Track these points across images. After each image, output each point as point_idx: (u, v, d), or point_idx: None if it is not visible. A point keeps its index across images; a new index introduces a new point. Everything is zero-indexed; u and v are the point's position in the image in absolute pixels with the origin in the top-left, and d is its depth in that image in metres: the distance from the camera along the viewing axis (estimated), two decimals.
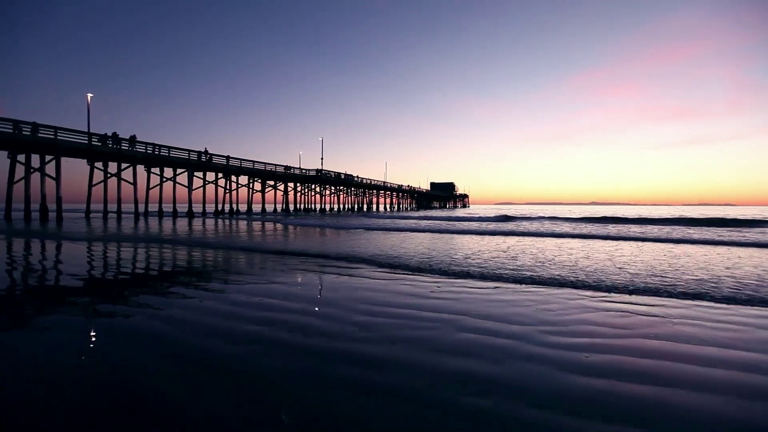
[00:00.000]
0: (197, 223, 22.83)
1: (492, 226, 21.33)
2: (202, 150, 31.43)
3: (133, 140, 27.52)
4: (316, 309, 4.26)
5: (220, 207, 35.92)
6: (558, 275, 6.25)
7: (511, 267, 7.07)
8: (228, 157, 33.83)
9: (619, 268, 6.99)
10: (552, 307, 4.37)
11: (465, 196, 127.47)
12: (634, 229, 18.34)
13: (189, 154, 30.70)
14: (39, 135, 20.85)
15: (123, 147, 25.83)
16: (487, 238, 13.97)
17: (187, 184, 31.49)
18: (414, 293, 5.07)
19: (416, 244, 11.34)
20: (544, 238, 14.00)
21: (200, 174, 35.72)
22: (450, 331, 3.50)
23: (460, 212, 53.05)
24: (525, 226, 21.36)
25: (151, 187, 32.43)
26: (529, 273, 6.41)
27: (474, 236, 14.64)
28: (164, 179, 31.92)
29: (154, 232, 14.72)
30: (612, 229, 18.98)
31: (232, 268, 7.15)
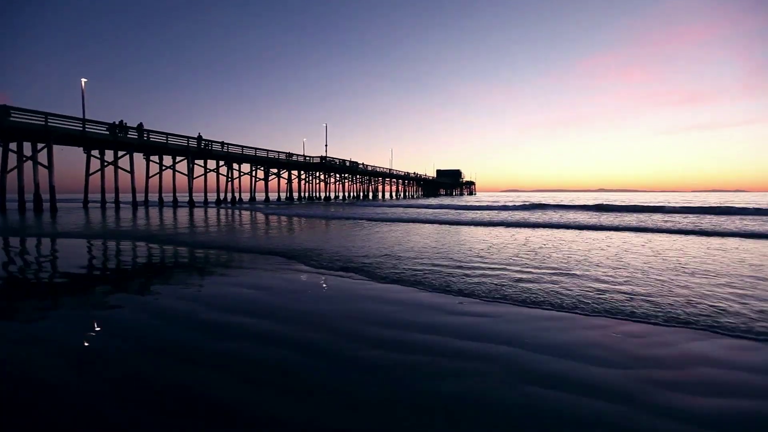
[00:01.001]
0: (190, 213, 21.85)
1: (519, 215, 18.73)
2: (195, 136, 30.11)
3: (141, 129, 26.61)
4: (297, 338, 3.16)
5: (222, 196, 34.98)
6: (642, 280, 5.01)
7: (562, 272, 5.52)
8: (223, 143, 32.38)
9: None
10: (637, 329, 3.24)
11: (472, 183, 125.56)
12: (691, 219, 15.44)
13: (188, 141, 29.59)
14: (29, 121, 19.82)
15: (119, 134, 24.77)
16: (516, 231, 11.91)
17: (187, 173, 30.41)
18: (435, 305, 3.95)
19: (432, 241, 10.19)
20: (605, 234, 11.01)
21: (201, 162, 34.80)
22: (502, 380, 2.36)
23: (471, 200, 51.68)
24: (568, 216, 17.87)
25: (150, 175, 31.51)
26: (594, 285, 4.98)
27: (497, 228, 12.87)
28: (163, 167, 30.94)
29: (143, 225, 13.42)
30: (657, 219, 15.68)
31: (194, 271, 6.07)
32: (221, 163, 34.95)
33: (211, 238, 10.17)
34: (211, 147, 31.54)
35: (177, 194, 31.44)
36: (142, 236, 10.10)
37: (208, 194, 36.21)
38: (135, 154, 27.67)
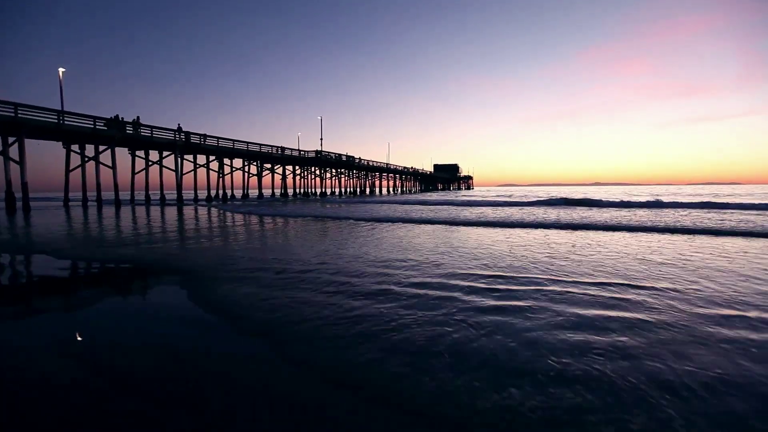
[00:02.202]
0: (171, 213, 20.34)
1: (555, 215, 14.53)
2: (175, 128, 28.34)
3: (137, 123, 25.31)
4: None
5: (213, 193, 33.36)
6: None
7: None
8: (204, 135, 30.22)
9: None
10: None
11: (469, 177, 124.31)
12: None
13: (176, 135, 27.90)
14: None
15: (99, 126, 23.10)
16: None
17: (174, 168, 28.75)
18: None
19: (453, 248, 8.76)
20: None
21: (190, 158, 33.14)
22: None
23: (476, 195, 50.36)
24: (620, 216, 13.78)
25: (136, 172, 29.87)
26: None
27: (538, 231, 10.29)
28: (150, 162, 29.28)
29: (111, 232, 10.46)
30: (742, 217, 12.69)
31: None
32: (212, 158, 33.36)
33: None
34: (203, 141, 29.88)
35: (165, 192, 29.75)
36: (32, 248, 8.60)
37: (198, 191, 34.65)
38: (119, 149, 26.08)
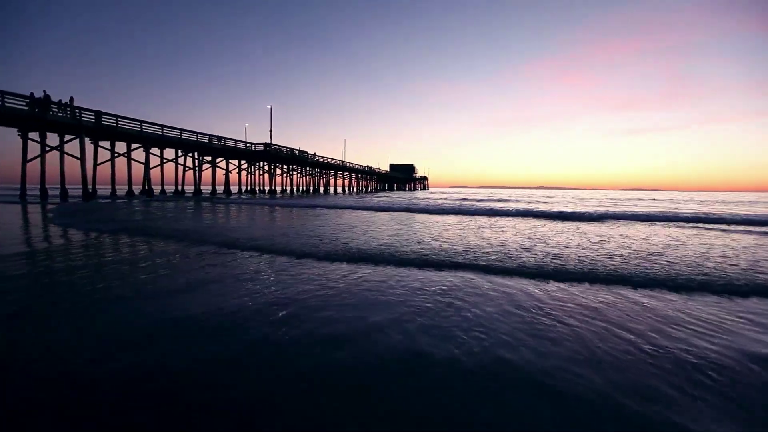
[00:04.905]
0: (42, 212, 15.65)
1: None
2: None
3: (71, 106, 20.69)
4: None
5: (143, 186, 27.85)
6: None
7: None
8: (119, 117, 25.05)
9: None
10: None
11: (425, 178, 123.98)
12: None
13: (80, 114, 22.35)
14: None
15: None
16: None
17: (80, 156, 23.10)
18: None
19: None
20: None
21: (108, 145, 27.44)
22: None
23: (431, 197, 48.44)
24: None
25: (28, 159, 23.73)
26: None
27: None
28: (47, 148, 23.36)
29: None
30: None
31: None
32: (135, 146, 27.88)
33: None
34: (118, 123, 24.47)
35: (68, 185, 23.93)
36: None
37: (118, 186, 28.88)
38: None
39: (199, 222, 11.86)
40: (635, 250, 7.06)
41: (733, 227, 11.96)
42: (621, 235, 9.62)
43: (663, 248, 7.38)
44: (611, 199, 38.28)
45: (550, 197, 44.28)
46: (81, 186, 22.28)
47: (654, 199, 40.01)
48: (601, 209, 19.76)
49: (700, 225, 12.61)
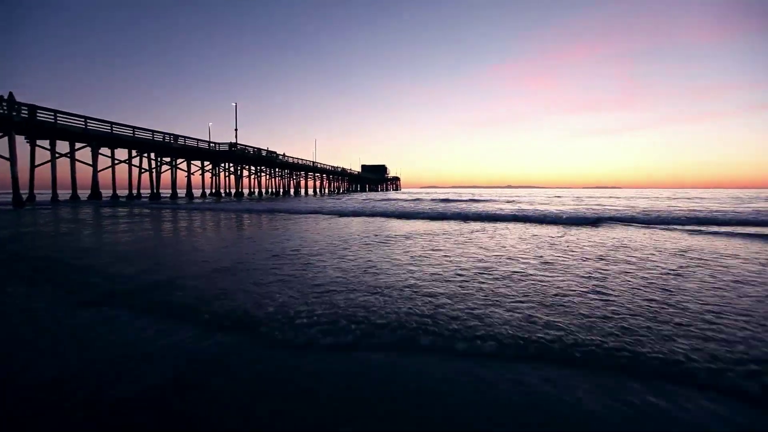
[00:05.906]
0: None
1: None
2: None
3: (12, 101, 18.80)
4: None
5: (87, 191, 25.20)
6: None
7: None
8: (57, 112, 22.79)
9: None
10: None
11: (397, 179, 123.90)
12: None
13: (17, 110, 19.69)
14: None
15: None
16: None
17: (8, 156, 20.36)
18: None
19: None
20: None
21: (47, 144, 24.67)
22: None
23: (404, 196, 47.69)
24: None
25: None
26: None
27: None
28: None
29: None
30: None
31: None
32: (80, 145, 25.22)
33: None
34: (56, 119, 21.88)
35: None
36: None
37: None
38: None
39: (107, 240, 8.20)
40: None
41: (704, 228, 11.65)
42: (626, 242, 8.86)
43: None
44: (577, 197, 38.51)
45: (520, 195, 44.46)
46: (11, 191, 19.57)
47: (611, 197, 40.50)
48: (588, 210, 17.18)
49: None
